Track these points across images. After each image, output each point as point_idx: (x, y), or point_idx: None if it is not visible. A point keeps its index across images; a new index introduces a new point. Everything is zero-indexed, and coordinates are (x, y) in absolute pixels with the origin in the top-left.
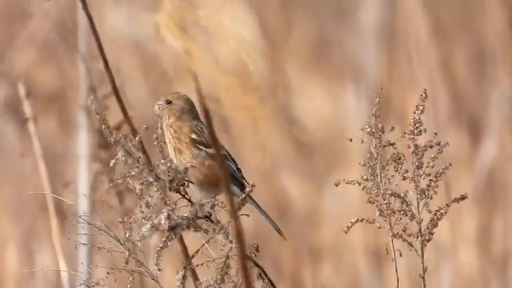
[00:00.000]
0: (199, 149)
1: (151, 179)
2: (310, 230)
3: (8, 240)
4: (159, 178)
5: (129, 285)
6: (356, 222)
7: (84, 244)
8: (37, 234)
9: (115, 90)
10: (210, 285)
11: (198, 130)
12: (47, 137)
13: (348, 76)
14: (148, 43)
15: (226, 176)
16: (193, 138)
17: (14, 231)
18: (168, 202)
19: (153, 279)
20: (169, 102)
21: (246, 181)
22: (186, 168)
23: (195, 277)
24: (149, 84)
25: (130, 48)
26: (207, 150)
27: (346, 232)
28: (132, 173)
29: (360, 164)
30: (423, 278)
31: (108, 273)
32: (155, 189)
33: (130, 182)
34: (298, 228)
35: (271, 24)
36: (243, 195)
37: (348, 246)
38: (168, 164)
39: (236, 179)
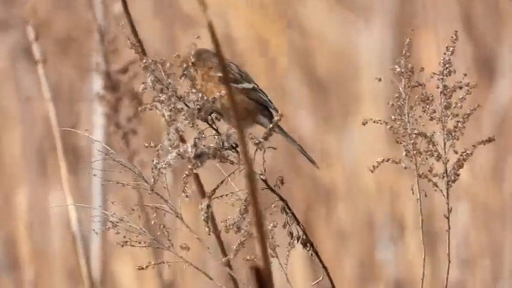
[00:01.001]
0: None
1: (180, 106)
2: (323, 171)
3: (19, 182)
4: (188, 106)
5: (153, 222)
6: (382, 161)
7: (109, 181)
8: (48, 176)
9: (132, 29)
10: (234, 219)
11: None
12: (60, 80)
13: (362, 14)
14: None
15: (236, 107)
16: (220, 76)
17: (25, 173)
18: (195, 130)
19: (177, 216)
20: (198, 59)
21: (276, 111)
22: (214, 98)
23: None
24: (163, 26)
25: None
26: (237, 86)
27: (372, 171)
28: (162, 98)
29: (388, 104)
30: (448, 218)
31: (133, 209)
32: (183, 117)
33: (159, 107)
34: (310, 169)
35: None
36: (271, 125)
37: (361, 187)
38: (197, 93)
39: (266, 110)
